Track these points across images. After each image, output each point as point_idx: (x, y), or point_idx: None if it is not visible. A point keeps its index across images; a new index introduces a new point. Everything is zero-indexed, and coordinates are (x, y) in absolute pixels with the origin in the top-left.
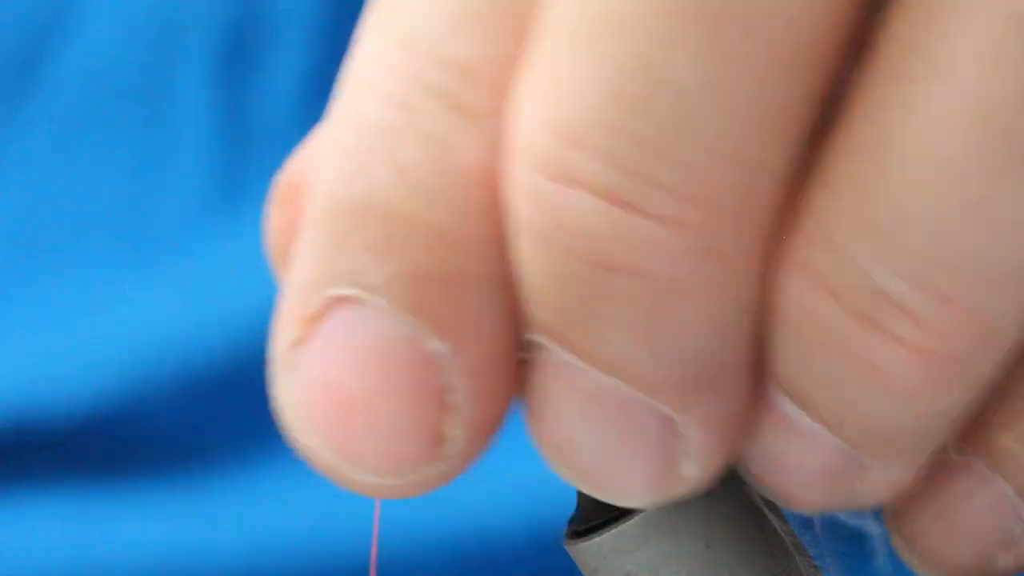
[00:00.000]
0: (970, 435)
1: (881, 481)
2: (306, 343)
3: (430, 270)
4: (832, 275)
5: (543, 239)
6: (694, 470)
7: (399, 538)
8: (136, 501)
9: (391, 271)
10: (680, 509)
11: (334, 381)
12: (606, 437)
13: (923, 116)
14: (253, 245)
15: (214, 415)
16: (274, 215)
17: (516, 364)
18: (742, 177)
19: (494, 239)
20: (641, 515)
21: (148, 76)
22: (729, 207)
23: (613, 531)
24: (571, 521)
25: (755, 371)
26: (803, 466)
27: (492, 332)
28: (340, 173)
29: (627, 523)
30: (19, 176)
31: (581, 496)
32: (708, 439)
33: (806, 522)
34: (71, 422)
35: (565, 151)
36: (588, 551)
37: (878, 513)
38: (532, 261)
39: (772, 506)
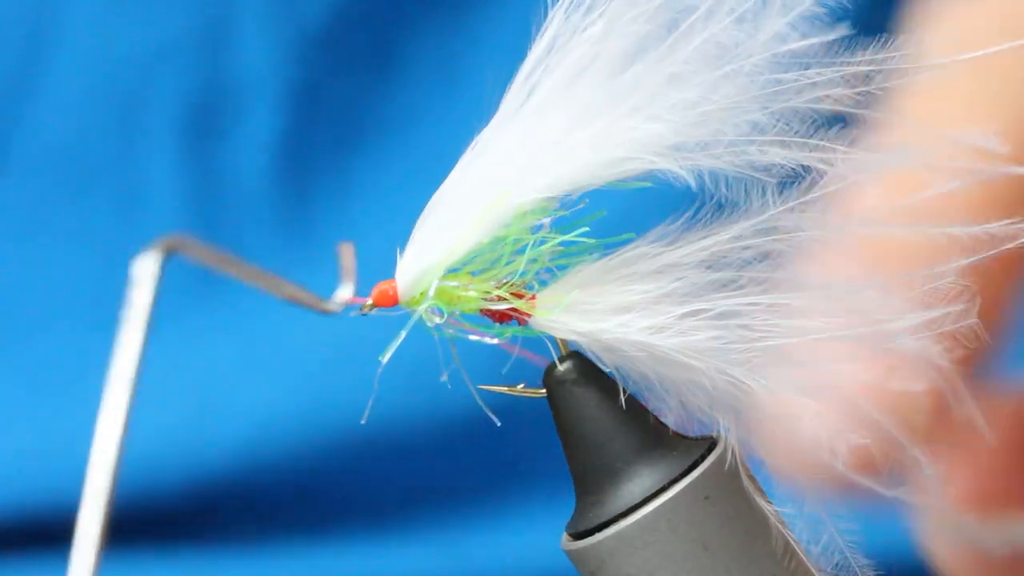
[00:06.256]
0: None
1: None
2: None
3: None
4: None
5: None
6: None
7: None
8: None
9: None
10: (679, 511)
11: None
12: None
13: None
14: (235, 330)
15: (217, 501)
16: None
17: None
18: None
19: None
20: (640, 517)
21: (113, 150)
22: None
23: (611, 533)
24: (569, 523)
25: None
26: None
27: None
28: None
29: (625, 525)
30: None
31: (580, 498)
32: None
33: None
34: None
35: None
36: (586, 553)
37: None
38: None
39: (773, 508)
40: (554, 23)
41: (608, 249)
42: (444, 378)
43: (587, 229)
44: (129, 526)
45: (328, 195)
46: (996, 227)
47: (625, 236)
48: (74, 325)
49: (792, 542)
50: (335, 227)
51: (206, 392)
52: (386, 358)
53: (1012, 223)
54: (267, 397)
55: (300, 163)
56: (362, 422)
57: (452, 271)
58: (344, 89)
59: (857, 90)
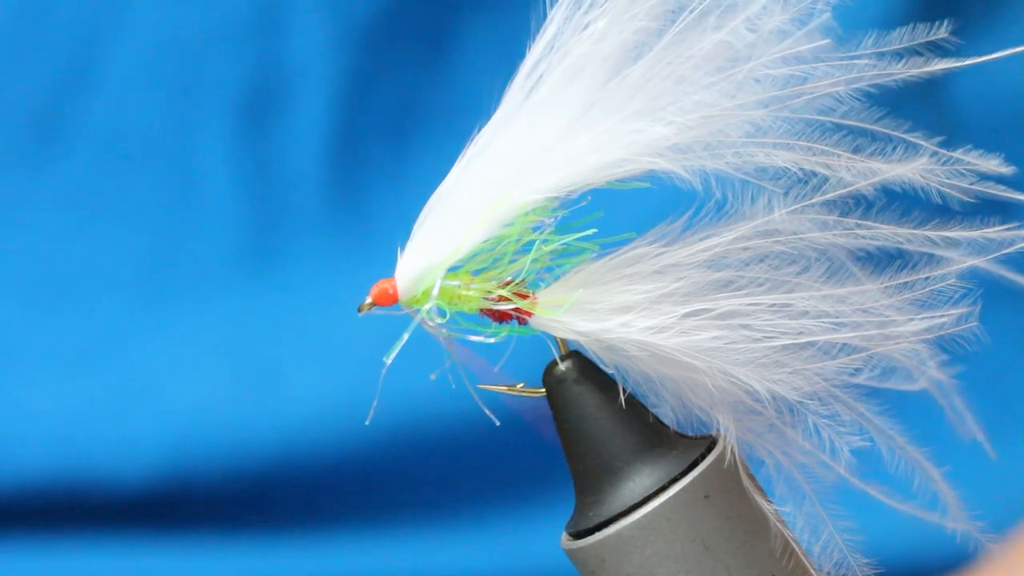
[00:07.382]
0: None
1: None
2: None
3: None
4: None
5: None
6: None
7: None
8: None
9: None
10: (678, 510)
11: None
12: None
13: None
14: (285, 302)
15: (262, 486)
16: None
17: None
18: None
19: None
20: (639, 516)
21: (168, 133)
22: None
23: (611, 532)
24: (569, 522)
25: None
26: None
27: None
28: None
29: (625, 524)
30: (43, 234)
31: (579, 497)
32: None
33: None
34: (122, 490)
35: None
36: (586, 552)
37: None
38: None
39: (772, 507)
40: (555, 21)
41: (608, 248)
42: (433, 377)
43: (595, 230)
44: (177, 506)
45: (380, 180)
46: (995, 231)
47: (626, 235)
48: (123, 301)
49: (791, 541)
50: (386, 212)
51: (256, 376)
52: (390, 359)
53: (1010, 228)
54: (317, 385)
55: (353, 148)
56: (366, 423)
57: (452, 270)
58: (398, 75)
59: (857, 87)
